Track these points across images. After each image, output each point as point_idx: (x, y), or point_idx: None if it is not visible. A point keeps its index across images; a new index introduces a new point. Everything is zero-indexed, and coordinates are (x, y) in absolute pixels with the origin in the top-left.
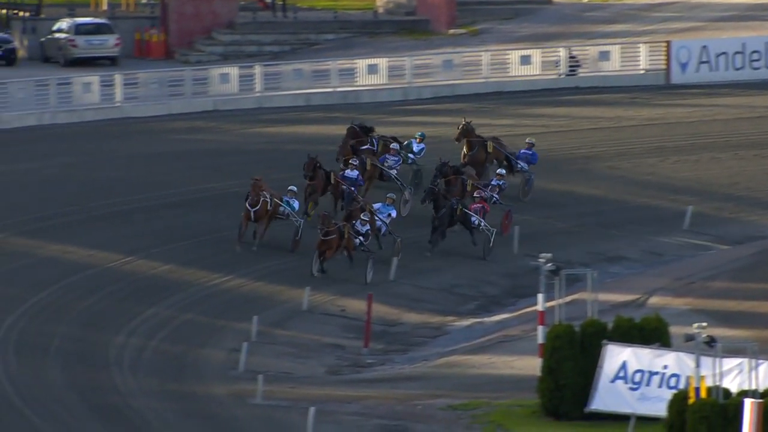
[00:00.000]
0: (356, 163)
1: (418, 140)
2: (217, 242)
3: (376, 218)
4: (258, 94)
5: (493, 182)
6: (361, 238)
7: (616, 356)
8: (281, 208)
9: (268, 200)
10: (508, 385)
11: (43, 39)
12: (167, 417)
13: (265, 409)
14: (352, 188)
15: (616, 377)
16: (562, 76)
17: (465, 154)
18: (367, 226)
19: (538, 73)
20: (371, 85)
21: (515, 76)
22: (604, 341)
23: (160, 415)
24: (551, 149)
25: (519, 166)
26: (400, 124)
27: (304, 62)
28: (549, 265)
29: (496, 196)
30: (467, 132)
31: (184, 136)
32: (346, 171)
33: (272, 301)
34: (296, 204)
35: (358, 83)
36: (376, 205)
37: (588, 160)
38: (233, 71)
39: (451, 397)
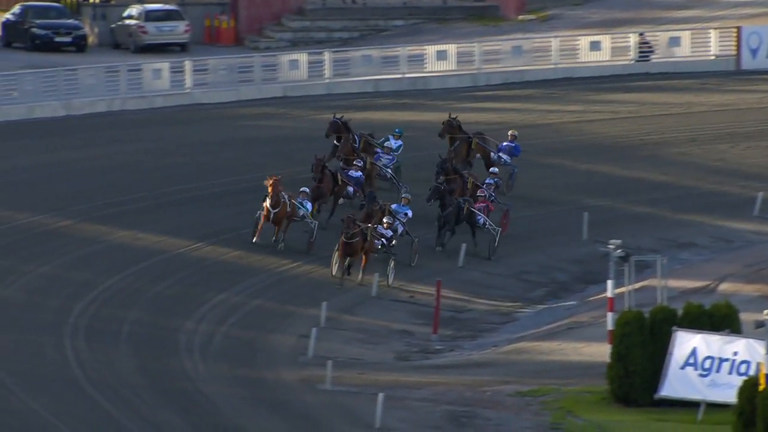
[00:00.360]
0: (360, 164)
1: (395, 137)
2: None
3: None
4: (327, 81)
5: (488, 181)
6: (384, 240)
7: (686, 343)
8: (298, 210)
9: (287, 201)
10: (577, 372)
11: (113, 25)
12: (237, 402)
13: (334, 395)
14: (356, 188)
15: (686, 364)
16: (633, 62)
17: (448, 150)
18: (390, 232)
19: (607, 59)
20: (440, 72)
21: (585, 62)
22: (674, 328)
23: (230, 400)
24: (620, 135)
25: (502, 159)
26: (468, 111)
27: (373, 48)
28: (618, 251)
29: (494, 194)
30: (451, 127)
31: (254, 122)
32: (350, 171)
33: (341, 287)
34: (309, 206)
35: (427, 69)
36: (392, 206)
37: (657, 146)
38: (302, 57)
39: (520, 384)
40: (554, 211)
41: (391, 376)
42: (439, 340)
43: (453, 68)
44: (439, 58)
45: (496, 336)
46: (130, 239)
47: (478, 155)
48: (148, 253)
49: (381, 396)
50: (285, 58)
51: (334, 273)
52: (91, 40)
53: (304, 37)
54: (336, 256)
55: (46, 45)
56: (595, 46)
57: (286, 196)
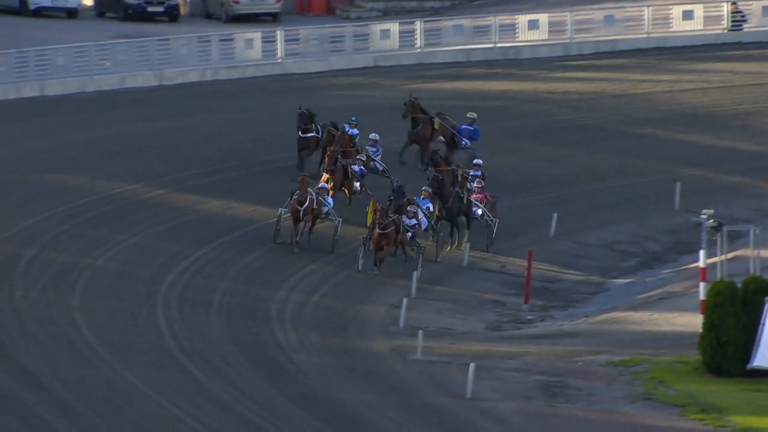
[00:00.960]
0: (363, 158)
1: (351, 125)
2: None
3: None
4: (418, 50)
5: (472, 173)
6: (408, 233)
7: None
8: (324, 207)
9: (315, 198)
10: (669, 342)
11: None
12: (328, 372)
13: (424, 365)
14: (361, 181)
15: None
16: (726, 31)
17: (409, 131)
18: (414, 221)
19: (700, 28)
20: (532, 41)
21: (677, 32)
22: (766, 298)
23: (321, 369)
24: (713, 105)
25: (463, 142)
26: (560, 80)
27: (464, 18)
28: (711, 221)
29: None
30: (413, 108)
31: (345, 92)
32: (352, 165)
33: (432, 257)
34: (331, 201)
35: (518, 39)
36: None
37: (750, 115)
38: (394, 27)
39: (611, 354)
40: (646, 180)
41: (482, 346)
42: (531, 310)
43: (545, 38)
44: (531, 28)
45: (587, 306)
46: (222, 209)
47: (441, 138)
48: (239, 223)
49: (472, 366)
50: (376, 27)
51: (360, 268)
52: (183, 9)
53: (395, 6)
54: (362, 250)
55: (138, 15)
56: (687, 15)
57: (313, 193)
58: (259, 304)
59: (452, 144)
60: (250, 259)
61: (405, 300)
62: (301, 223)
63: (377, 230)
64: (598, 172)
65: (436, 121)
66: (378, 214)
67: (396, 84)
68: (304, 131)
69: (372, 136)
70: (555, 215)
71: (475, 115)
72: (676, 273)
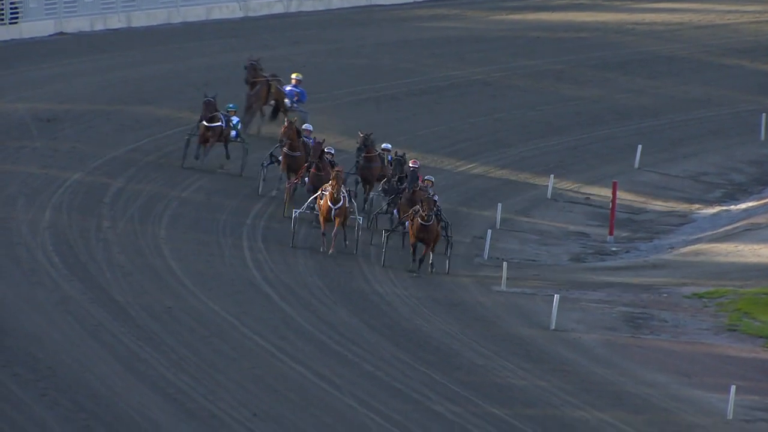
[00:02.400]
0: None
1: (230, 113)
2: (464, 130)
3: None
4: None
5: (389, 158)
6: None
7: None
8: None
9: (347, 198)
10: (754, 273)
11: None
12: (413, 303)
13: (508, 296)
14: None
15: None
16: None
17: (248, 94)
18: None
19: None
20: None
21: None
22: None
23: (406, 301)
24: None
25: (294, 105)
26: (645, 11)
27: None
28: None
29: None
30: (255, 71)
31: (429, 23)
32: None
33: (517, 189)
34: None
35: None
36: None
37: None
38: None
39: (696, 285)
40: (732, 112)
41: (567, 277)
42: (615, 242)
43: None
44: None
45: (672, 238)
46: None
47: (273, 101)
48: None
49: (556, 297)
50: None
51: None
52: None
53: None
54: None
55: None
56: None
57: (346, 193)
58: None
59: (283, 109)
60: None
61: (489, 231)
62: (330, 224)
63: (418, 222)
64: (683, 103)
65: (273, 83)
66: (424, 205)
67: (479, 15)
68: (210, 120)
69: (306, 126)
70: (640, 146)
71: (300, 76)
72: (761, 204)
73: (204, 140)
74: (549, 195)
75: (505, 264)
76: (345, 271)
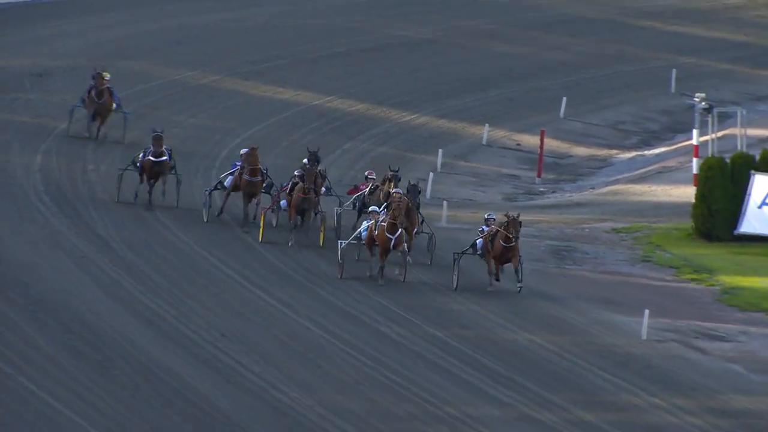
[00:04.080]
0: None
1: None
2: (409, 83)
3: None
4: None
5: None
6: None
7: (763, 184)
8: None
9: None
10: (666, 211)
11: None
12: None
13: (449, 231)
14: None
15: (763, 203)
16: None
17: (95, 102)
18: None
19: None
20: None
21: None
22: (752, 171)
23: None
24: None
25: (118, 107)
26: None
27: None
28: (703, 103)
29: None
30: (101, 79)
31: None
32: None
33: (455, 136)
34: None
35: None
36: None
37: (739, 9)
38: None
39: (614, 221)
40: (646, 67)
41: (500, 215)
42: (543, 183)
43: None
44: None
45: (593, 179)
46: (270, 93)
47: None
48: (285, 106)
49: (431, 175)
50: None
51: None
52: None
53: None
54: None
55: None
56: None
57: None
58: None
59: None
60: (295, 137)
61: (431, 174)
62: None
63: (500, 244)
64: (603, 59)
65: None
66: (512, 225)
67: None
68: (158, 155)
69: (243, 150)
70: (564, 98)
71: (108, 75)
72: (672, 150)
73: (153, 176)
74: (484, 142)
75: (445, 203)
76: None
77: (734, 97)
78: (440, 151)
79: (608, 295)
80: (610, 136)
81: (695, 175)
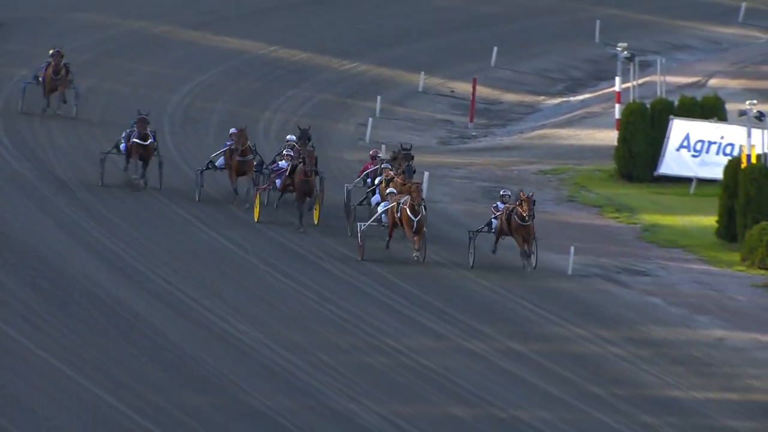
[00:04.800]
0: (291, 154)
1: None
2: (352, 34)
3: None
4: None
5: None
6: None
7: (681, 129)
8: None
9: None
10: (589, 154)
11: None
12: None
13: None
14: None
15: (680, 146)
16: None
17: (52, 78)
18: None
19: None
20: None
21: None
22: (671, 116)
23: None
24: None
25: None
26: None
27: None
28: (625, 53)
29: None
30: (60, 56)
31: None
32: (279, 163)
33: (393, 83)
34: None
35: None
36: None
37: None
38: None
39: (542, 164)
40: (572, 18)
41: (435, 157)
42: (475, 128)
43: None
44: None
45: (522, 124)
46: (218, 43)
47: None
48: (233, 54)
49: (426, 174)
50: None
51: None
52: None
53: None
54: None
55: None
56: None
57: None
58: (249, 122)
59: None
60: (241, 85)
61: (370, 119)
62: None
63: (517, 222)
64: (531, 12)
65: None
66: (525, 202)
67: None
68: (144, 138)
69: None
70: (495, 48)
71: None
72: (595, 96)
73: (140, 158)
74: (420, 89)
75: (383, 146)
76: None
77: (654, 46)
78: (379, 97)
79: (536, 233)
80: (537, 83)
81: (617, 120)
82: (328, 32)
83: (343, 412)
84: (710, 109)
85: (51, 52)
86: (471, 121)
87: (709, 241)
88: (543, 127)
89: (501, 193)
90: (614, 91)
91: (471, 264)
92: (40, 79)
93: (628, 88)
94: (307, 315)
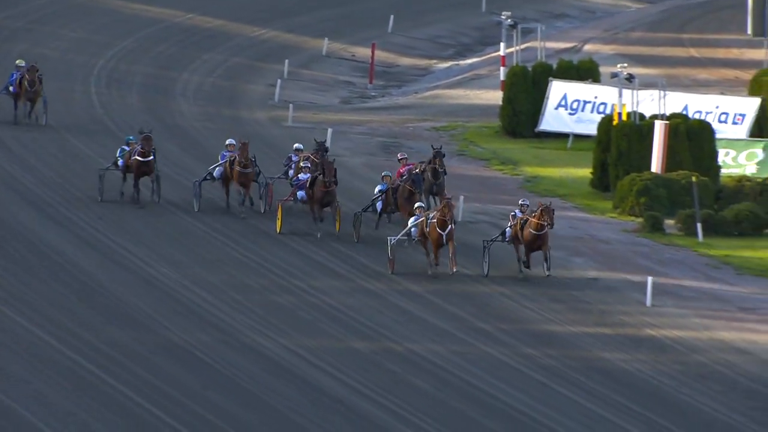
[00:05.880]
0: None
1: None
2: (261, 1)
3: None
4: None
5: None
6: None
7: (559, 90)
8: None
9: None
10: (477, 112)
11: None
12: (219, 135)
13: (294, 130)
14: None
15: (559, 105)
16: None
17: (26, 90)
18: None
19: None
20: None
21: None
22: (550, 78)
23: (215, 133)
24: None
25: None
26: None
27: None
28: (509, 21)
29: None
30: (34, 71)
31: None
32: (300, 176)
33: (300, 48)
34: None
35: None
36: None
37: None
38: None
39: (434, 121)
40: None
41: (338, 115)
42: (374, 89)
43: None
44: None
45: (416, 85)
46: (140, 11)
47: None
48: (153, 22)
49: (330, 131)
50: None
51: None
52: None
53: None
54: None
55: None
56: None
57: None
58: (168, 84)
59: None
60: (161, 49)
61: (279, 81)
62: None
63: (531, 231)
64: None
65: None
66: (545, 212)
67: None
68: (145, 155)
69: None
70: (392, 16)
71: (23, 62)
72: (482, 60)
73: (142, 174)
74: (324, 53)
75: (291, 105)
76: (169, 110)
77: (535, 15)
78: (286, 61)
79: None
80: (430, 48)
81: (502, 81)
82: (240, 1)
83: (254, 346)
84: (585, 72)
85: (19, 63)
86: (370, 82)
87: (584, 191)
88: (435, 88)
89: (520, 202)
90: (499, 56)
91: (486, 273)
92: (11, 89)
93: (512, 52)
94: (222, 258)
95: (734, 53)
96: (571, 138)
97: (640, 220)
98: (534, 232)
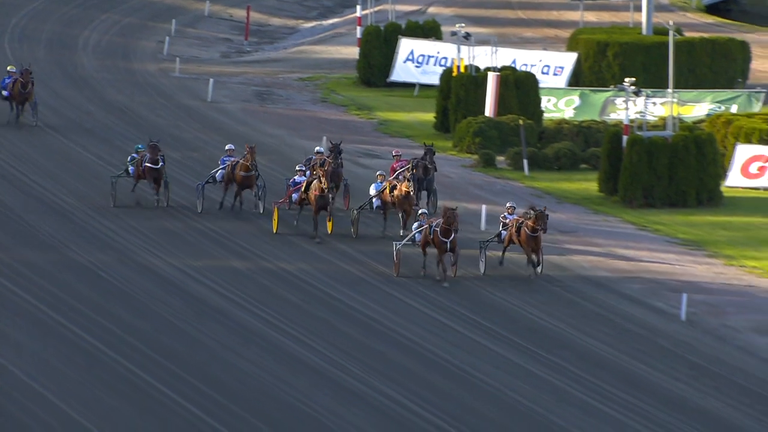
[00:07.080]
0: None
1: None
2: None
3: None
4: None
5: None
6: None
7: (407, 46)
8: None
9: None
10: (337, 65)
11: None
12: (117, 83)
13: (181, 80)
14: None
15: (407, 59)
16: None
17: (20, 92)
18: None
19: None
20: None
21: None
22: (399, 36)
23: (114, 83)
24: None
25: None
26: None
27: None
28: None
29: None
30: (28, 74)
31: None
32: (295, 178)
33: (185, 9)
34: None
35: None
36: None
37: None
38: None
39: (301, 73)
40: None
41: (218, 68)
42: (249, 45)
43: None
44: None
45: (286, 42)
46: None
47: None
48: None
49: (211, 81)
50: None
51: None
52: None
53: None
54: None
55: None
56: None
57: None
58: (72, 40)
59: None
60: (66, 9)
61: (167, 38)
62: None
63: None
64: None
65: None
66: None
67: None
68: (155, 162)
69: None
70: None
71: (14, 68)
72: (343, 20)
73: (153, 180)
74: (206, 14)
75: (178, 59)
76: (72, 63)
77: None
78: (173, 20)
79: (297, 125)
80: (297, 10)
81: (359, 39)
82: None
83: (146, 264)
84: (429, 31)
85: (10, 68)
86: (246, 39)
87: (428, 132)
88: (302, 44)
89: (507, 204)
90: (356, 17)
91: (482, 271)
92: (4, 93)
93: (367, 14)
94: (120, 189)
95: (555, 15)
96: (417, 87)
97: (475, 157)
98: (530, 234)
